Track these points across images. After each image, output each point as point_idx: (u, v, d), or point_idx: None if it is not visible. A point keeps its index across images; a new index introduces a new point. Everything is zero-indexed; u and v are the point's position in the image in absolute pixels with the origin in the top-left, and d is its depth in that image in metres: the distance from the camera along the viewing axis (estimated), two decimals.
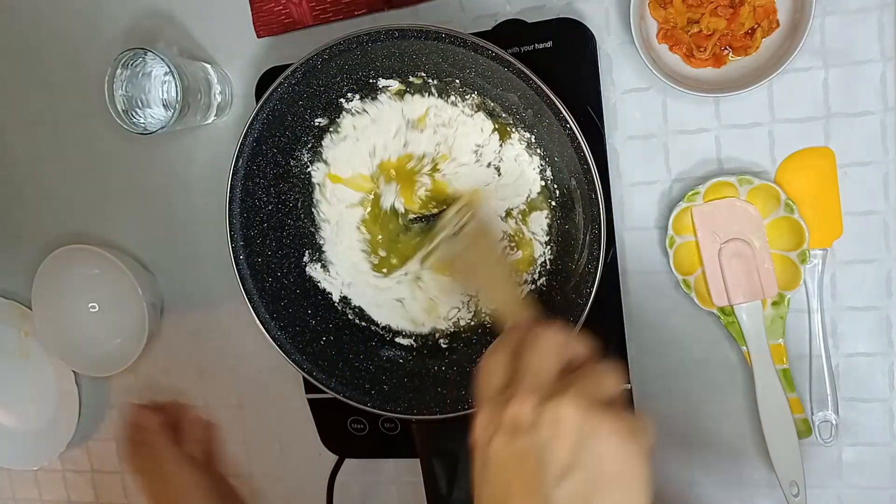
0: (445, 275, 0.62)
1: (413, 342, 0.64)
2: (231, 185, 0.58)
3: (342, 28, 0.65)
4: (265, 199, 0.61)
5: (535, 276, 0.60)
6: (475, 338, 0.62)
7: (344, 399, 0.60)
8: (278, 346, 0.60)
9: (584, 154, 0.50)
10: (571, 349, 0.41)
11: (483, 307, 0.62)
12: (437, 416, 0.58)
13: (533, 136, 0.58)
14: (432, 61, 0.55)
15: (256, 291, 0.60)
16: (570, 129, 0.50)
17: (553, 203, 0.59)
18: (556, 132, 0.52)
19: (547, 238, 0.59)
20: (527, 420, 0.37)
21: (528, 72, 0.50)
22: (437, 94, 0.59)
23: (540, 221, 0.59)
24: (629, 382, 0.61)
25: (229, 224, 0.59)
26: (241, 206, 0.59)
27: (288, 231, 0.63)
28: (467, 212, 0.58)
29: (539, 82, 0.50)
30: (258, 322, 0.60)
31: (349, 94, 0.59)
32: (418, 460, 0.62)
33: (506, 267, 0.56)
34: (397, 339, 0.64)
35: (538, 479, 0.37)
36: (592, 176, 0.51)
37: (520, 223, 0.60)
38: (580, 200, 0.54)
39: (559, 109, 0.50)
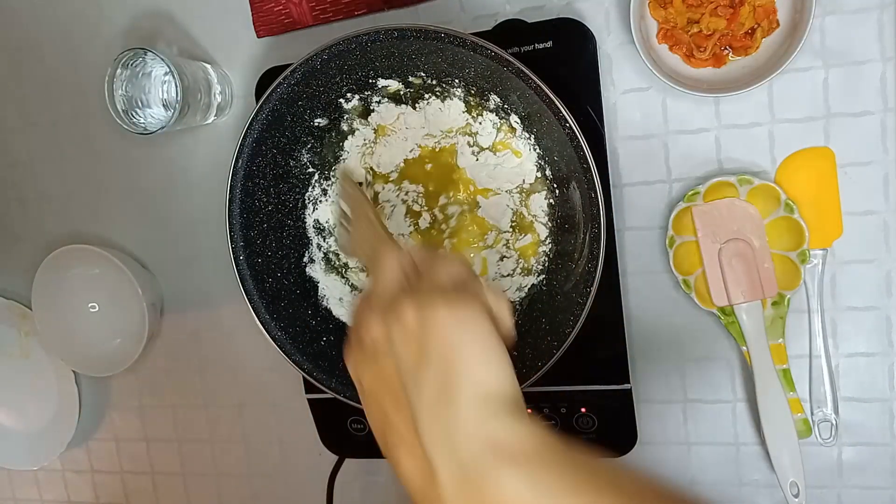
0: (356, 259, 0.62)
1: None
2: (231, 185, 0.58)
3: (342, 28, 0.65)
4: (265, 199, 0.61)
5: (537, 272, 0.60)
6: None
7: (345, 399, 0.60)
8: (279, 346, 0.60)
9: (584, 153, 0.50)
10: (407, 260, 0.40)
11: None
12: None
13: (532, 136, 0.58)
14: (431, 61, 0.55)
15: (256, 292, 0.60)
16: (570, 128, 0.50)
17: (552, 202, 0.59)
18: (555, 131, 0.52)
19: (548, 221, 0.60)
20: (376, 338, 0.37)
21: (527, 71, 0.50)
22: (435, 96, 0.59)
23: (540, 203, 0.60)
24: (628, 382, 0.61)
25: (229, 225, 0.59)
26: (241, 207, 0.59)
27: (288, 231, 0.63)
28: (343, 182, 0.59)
29: (538, 81, 0.50)
30: (258, 323, 0.60)
31: (348, 95, 0.59)
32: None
33: (371, 218, 0.53)
34: None
35: (401, 387, 0.36)
36: (592, 175, 0.51)
37: (522, 205, 0.60)
38: (580, 200, 0.54)
39: (558, 109, 0.50)
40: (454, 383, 0.34)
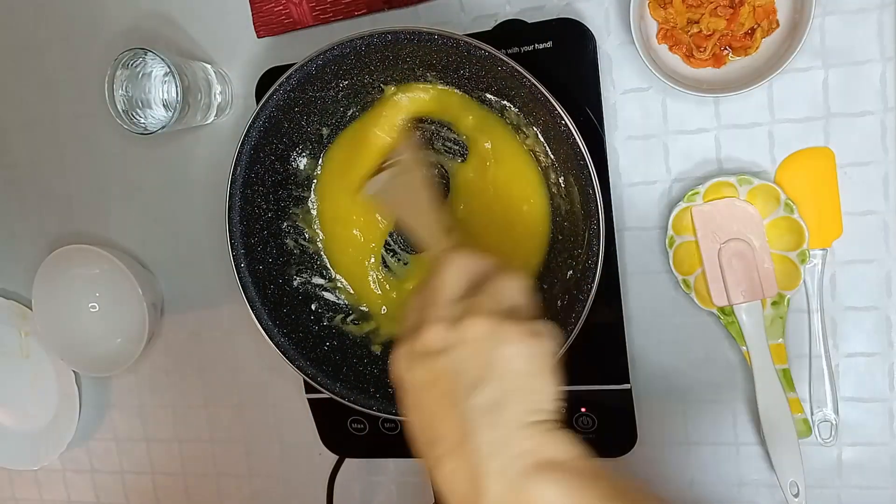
0: (379, 209, 0.61)
1: None
2: (230, 193, 0.58)
3: (342, 28, 0.65)
4: (264, 206, 0.61)
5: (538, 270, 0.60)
6: None
7: (349, 404, 0.60)
8: (282, 352, 0.60)
9: (580, 149, 0.50)
10: (474, 268, 0.42)
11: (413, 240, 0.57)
12: None
13: (529, 135, 0.58)
14: (427, 63, 0.55)
15: (259, 299, 0.60)
16: (566, 124, 0.50)
17: (552, 201, 0.59)
18: (551, 129, 0.52)
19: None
20: (437, 343, 0.39)
21: (521, 69, 0.50)
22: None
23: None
24: (628, 382, 0.61)
25: (229, 233, 0.59)
26: (241, 214, 0.59)
27: (288, 237, 0.63)
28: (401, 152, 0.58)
29: (532, 80, 0.50)
30: (261, 329, 0.60)
31: (344, 100, 0.59)
32: (418, 460, 0.62)
33: (428, 199, 0.53)
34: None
35: (454, 394, 0.38)
36: (589, 171, 0.51)
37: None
38: (578, 197, 0.54)
39: (553, 106, 0.50)
40: (512, 402, 0.38)
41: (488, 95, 0.57)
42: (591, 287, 0.53)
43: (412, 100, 0.59)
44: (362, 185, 0.59)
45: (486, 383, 0.38)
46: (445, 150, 0.60)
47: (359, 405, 0.60)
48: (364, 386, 0.60)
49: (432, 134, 0.60)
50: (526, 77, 0.50)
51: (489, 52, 0.50)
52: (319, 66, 0.54)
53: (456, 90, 0.58)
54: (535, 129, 0.56)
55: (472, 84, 0.56)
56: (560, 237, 0.59)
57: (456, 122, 0.60)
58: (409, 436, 0.41)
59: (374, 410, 0.59)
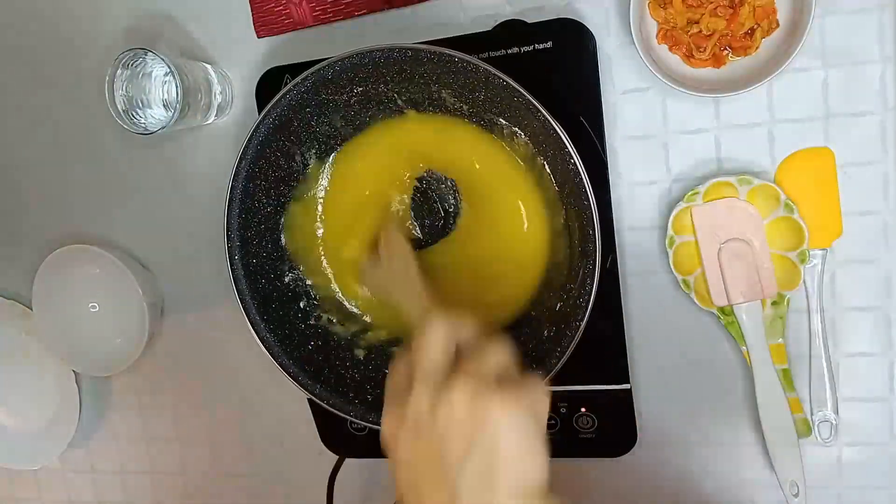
0: (375, 295, 0.63)
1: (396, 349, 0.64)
2: (232, 186, 0.58)
3: (342, 28, 0.65)
4: (265, 200, 0.61)
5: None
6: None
7: (327, 407, 0.60)
8: (266, 347, 0.60)
9: (586, 190, 0.51)
10: (457, 334, 0.42)
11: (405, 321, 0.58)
12: None
13: (536, 166, 0.58)
14: (443, 81, 0.55)
15: (249, 292, 0.60)
16: (574, 163, 0.51)
17: (549, 206, 0.59)
18: (559, 164, 0.53)
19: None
20: (423, 411, 0.39)
21: (536, 104, 0.50)
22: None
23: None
24: (628, 382, 0.61)
25: (227, 224, 0.59)
26: (241, 207, 0.59)
27: (284, 234, 0.63)
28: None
29: (548, 115, 0.50)
30: (248, 323, 0.60)
31: (356, 105, 0.59)
32: None
33: (414, 279, 0.55)
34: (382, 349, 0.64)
35: (443, 466, 0.38)
36: (581, 178, 0.51)
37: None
38: (574, 203, 0.54)
39: (564, 144, 0.50)
40: (498, 476, 0.37)
41: (501, 120, 0.56)
42: (592, 289, 0.52)
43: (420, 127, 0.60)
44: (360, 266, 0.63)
45: (473, 457, 0.38)
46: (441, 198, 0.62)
47: (336, 409, 0.60)
48: (343, 390, 0.60)
49: (429, 188, 0.62)
50: (541, 112, 0.50)
51: (507, 82, 0.50)
52: (336, 71, 0.54)
53: (468, 121, 0.59)
54: (543, 161, 0.56)
55: (486, 107, 0.56)
56: (560, 239, 0.58)
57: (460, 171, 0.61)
58: (398, 497, 0.41)
59: (350, 416, 0.59)
